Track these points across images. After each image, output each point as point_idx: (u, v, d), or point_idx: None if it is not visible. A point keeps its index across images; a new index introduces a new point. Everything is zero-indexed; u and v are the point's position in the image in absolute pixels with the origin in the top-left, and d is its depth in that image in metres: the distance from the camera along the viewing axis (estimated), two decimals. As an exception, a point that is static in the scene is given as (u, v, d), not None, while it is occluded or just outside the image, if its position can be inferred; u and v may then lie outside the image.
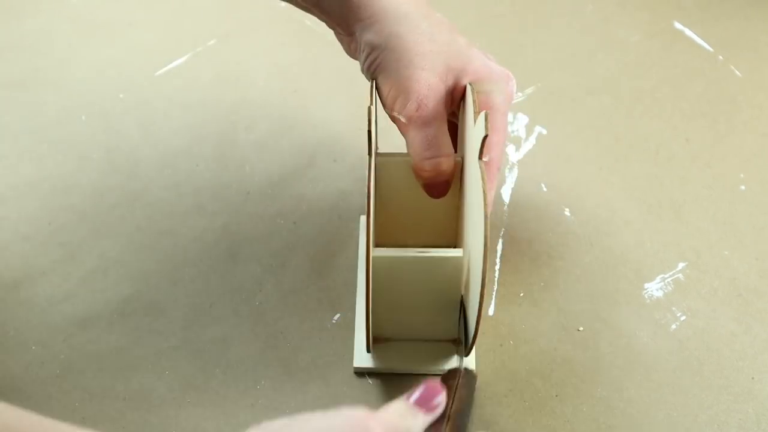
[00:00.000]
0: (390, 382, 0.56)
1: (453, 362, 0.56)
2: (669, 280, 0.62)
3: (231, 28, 0.81)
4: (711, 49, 0.79)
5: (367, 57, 0.56)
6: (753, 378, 0.56)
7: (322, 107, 0.74)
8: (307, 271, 0.62)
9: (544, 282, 0.61)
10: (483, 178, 0.49)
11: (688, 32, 0.81)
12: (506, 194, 0.68)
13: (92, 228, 0.65)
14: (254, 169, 0.70)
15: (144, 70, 0.79)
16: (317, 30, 0.81)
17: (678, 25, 0.82)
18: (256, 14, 0.82)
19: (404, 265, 0.52)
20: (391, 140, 0.59)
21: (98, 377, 0.56)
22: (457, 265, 0.53)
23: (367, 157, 0.52)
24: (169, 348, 0.58)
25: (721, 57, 0.79)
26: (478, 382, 0.54)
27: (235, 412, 0.54)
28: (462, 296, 0.55)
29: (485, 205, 0.49)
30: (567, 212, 0.66)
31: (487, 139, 0.50)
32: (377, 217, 0.57)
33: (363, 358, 0.57)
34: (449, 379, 0.52)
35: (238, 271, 0.62)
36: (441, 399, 0.46)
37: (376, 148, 0.54)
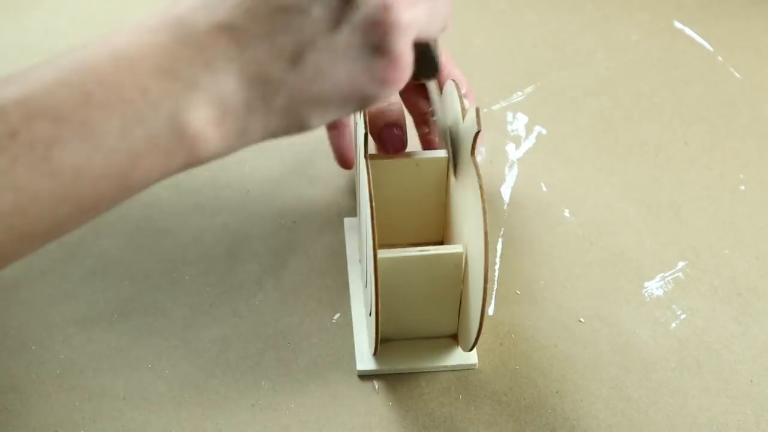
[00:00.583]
0: (391, 381, 0.56)
1: (455, 358, 0.56)
2: (669, 278, 0.62)
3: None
4: (711, 49, 0.79)
5: None
6: (752, 381, 0.56)
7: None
8: (307, 271, 0.62)
9: (543, 281, 0.62)
10: (478, 173, 0.50)
11: (688, 31, 0.81)
12: (506, 194, 0.68)
13: (92, 227, 0.65)
14: (254, 169, 0.70)
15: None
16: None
17: (678, 25, 0.82)
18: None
19: (406, 265, 0.52)
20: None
21: (98, 377, 0.56)
22: (457, 261, 0.53)
23: (364, 159, 0.52)
24: (168, 348, 0.58)
25: (720, 57, 0.79)
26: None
27: (235, 412, 0.54)
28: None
29: (482, 198, 0.49)
30: (567, 212, 0.66)
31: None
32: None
33: (366, 362, 0.56)
34: None
35: (237, 271, 0.62)
36: None
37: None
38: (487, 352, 0.57)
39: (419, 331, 0.57)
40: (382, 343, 0.56)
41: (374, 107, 0.55)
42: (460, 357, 0.57)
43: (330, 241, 0.64)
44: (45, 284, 0.62)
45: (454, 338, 0.58)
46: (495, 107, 0.75)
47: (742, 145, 0.71)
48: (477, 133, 0.50)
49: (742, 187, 0.68)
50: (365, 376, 0.56)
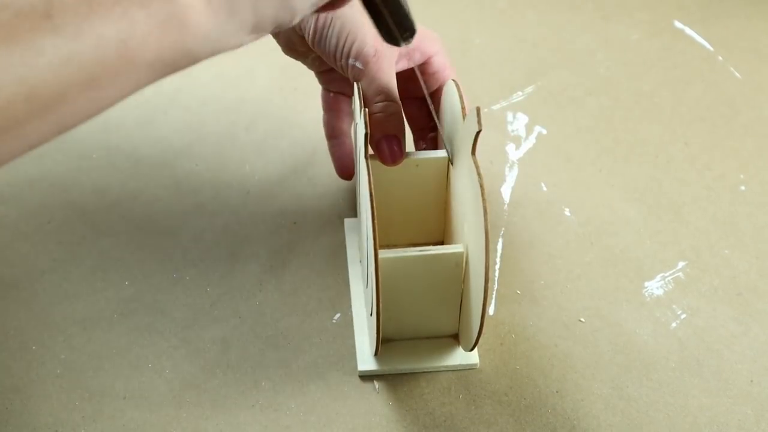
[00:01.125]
0: (391, 381, 0.56)
1: (457, 358, 0.56)
2: (669, 278, 0.62)
3: (231, 27, 0.81)
4: (711, 49, 0.79)
5: (317, 15, 0.56)
6: (752, 381, 0.56)
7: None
8: (308, 271, 0.62)
9: (544, 281, 0.62)
10: (478, 172, 0.50)
11: (688, 31, 0.81)
12: (506, 193, 0.68)
13: (92, 226, 0.65)
14: (254, 169, 0.70)
15: (144, 69, 0.79)
16: (317, 29, 0.81)
17: (678, 24, 0.82)
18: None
19: (407, 265, 0.52)
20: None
21: (98, 377, 0.56)
22: (458, 260, 0.53)
23: (364, 160, 0.52)
24: (169, 348, 0.58)
25: (720, 57, 0.79)
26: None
27: (236, 413, 0.54)
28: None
29: (483, 198, 0.49)
30: (567, 212, 0.66)
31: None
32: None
33: (367, 362, 0.56)
34: None
35: (238, 271, 0.62)
36: None
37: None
38: (487, 352, 0.57)
39: (420, 331, 0.57)
40: (383, 343, 0.56)
41: (374, 117, 0.55)
42: (461, 357, 0.57)
43: (330, 241, 0.64)
44: (45, 284, 0.62)
45: (454, 338, 0.58)
46: (495, 107, 0.75)
47: (743, 145, 0.71)
48: (478, 133, 0.50)
49: (743, 187, 0.68)
50: (365, 376, 0.56)
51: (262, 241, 0.64)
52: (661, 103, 0.75)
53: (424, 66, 0.60)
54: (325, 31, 0.57)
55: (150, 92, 0.77)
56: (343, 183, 0.68)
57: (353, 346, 0.58)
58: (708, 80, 0.77)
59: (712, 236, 0.64)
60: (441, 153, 0.57)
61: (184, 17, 0.39)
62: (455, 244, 0.55)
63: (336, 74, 0.60)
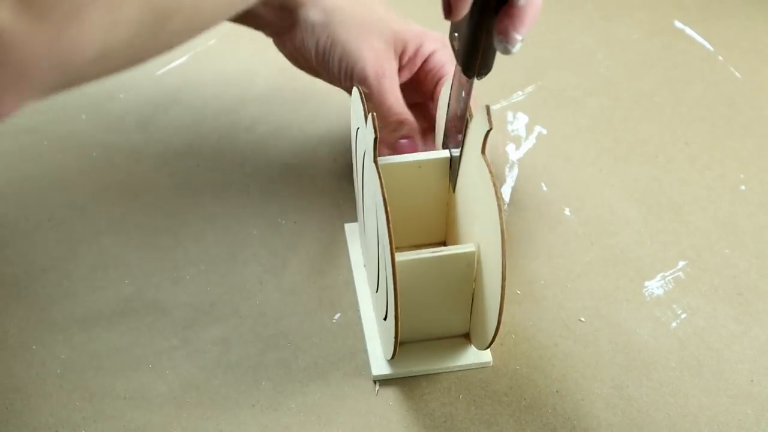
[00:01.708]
0: (392, 381, 0.56)
1: (469, 357, 0.56)
2: (669, 278, 0.62)
3: (231, 28, 0.81)
4: (711, 49, 0.79)
5: (317, 39, 0.59)
6: (752, 380, 0.56)
7: (322, 106, 0.74)
8: (308, 271, 0.62)
9: (544, 281, 0.62)
10: (490, 170, 0.49)
11: (688, 31, 0.81)
12: (506, 193, 0.68)
13: (92, 226, 0.65)
14: (254, 169, 0.70)
15: (144, 69, 0.79)
16: (317, 29, 0.80)
17: (678, 24, 0.82)
18: (256, 13, 0.82)
19: (421, 267, 0.52)
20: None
21: (99, 377, 0.56)
22: (470, 260, 0.52)
23: (373, 165, 0.51)
24: (169, 348, 0.58)
25: (721, 57, 0.79)
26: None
27: (236, 412, 0.54)
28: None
29: (497, 196, 0.48)
30: (567, 211, 0.66)
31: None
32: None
33: (380, 366, 0.56)
34: None
35: (238, 271, 0.62)
36: None
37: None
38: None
39: (431, 332, 0.57)
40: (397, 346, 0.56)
41: (385, 129, 0.59)
42: (474, 356, 0.56)
43: (330, 241, 0.64)
44: (46, 282, 0.62)
45: (465, 337, 0.57)
46: (495, 107, 0.75)
47: (743, 145, 0.71)
48: (488, 132, 0.50)
49: (743, 187, 0.68)
50: (361, 373, 0.56)
51: (263, 241, 0.64)
52: (661, 103, 0.75)
53: (423, 64, 0.61)
54: (327, 56, 0.59)
55: (150, 92, 0.77)
56: (343, 183, 0.68)
57: (353, 346, 0.58)
58: (708, 80, 0.77)
59: (713, 236, 0.64)
60: (443, 153, 0.57)
61: None
62: (462, 244, 0.55)
63: None
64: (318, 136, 0.73)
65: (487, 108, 0.49)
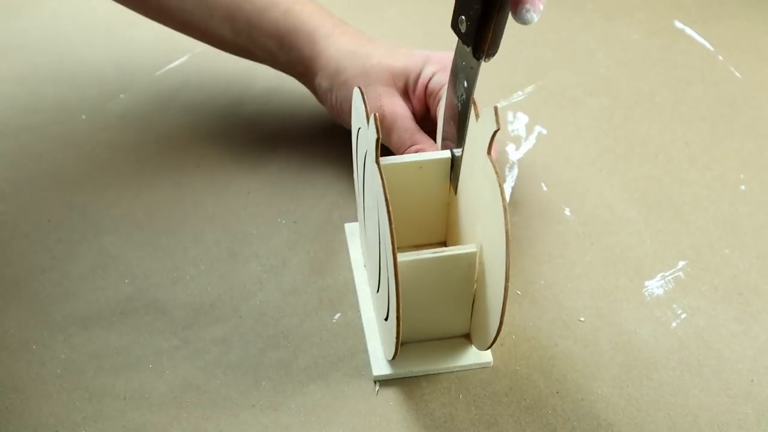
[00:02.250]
0: (392, 381, 0.56)
1: (470, 357, 0.56)
2: (669, 278, 0.62)
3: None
4: (711, 48, 0.79)
5: (331, 102, 0.66)
6: (752, 380, 0.56)
7: (322, 106, 0.74)
8: (308, 271, 0.62)
9: (544, 280, 0.62)
10: (496, 171, 0.49)
11: (688, 31, 0.81)
12: (506, 193, 0.68)
13: (92, 225, 0.65)
14: (254, 169, 0.70)
15: (144, 70, 0.80)
16: (317, 29, 0.80)
17: (678, 24, 0.82)
18: (256, 13, 0.82)
19: (423, 267, 0.52)
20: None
21: (99, 377, 0.56)
22: (471, 261, 0.52)
23: (375, 165, 0.51)
24: (169, 348, 0.58)
25: (721, 57, 0.79)
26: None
27: (236, 413, 0.54)
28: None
29: (502, 197, 0.48)
30: (567, 211, 0.66)
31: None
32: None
33: (381, 367, 0.56)
34: None
35: (238, 271, 0.62)
36: None
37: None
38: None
39: (432, 332, 0.57)
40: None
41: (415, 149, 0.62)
42: (474, 356, 0.56)
43: (330, 241, 0.64)
44: (46, 282, 0.62)
45: (465, 338, 0.57)
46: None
47: (743, 144, 0.71)
48: (495, 132, 0.49)
49: (743, 187, 0.68)
50: (361, 374, 0.56)
51: (263, 241, 0.64)
52: (661, 103, 0.75)
53: (426, 88, 0.64)
54: (343, 113, 0.65)
55: (150, 92, 0.77)
56: (343, 183, 0.68)
57: (354, 346, 0.58)
58: (708, 80, 0.77)
59: (713, 236, 0.64)
60: (444, 154, 0.57)
61: None
62: (463, 244, 0.55)
63: None
64: (318, 136, 0.73)
65: (495, 108, 0.49)
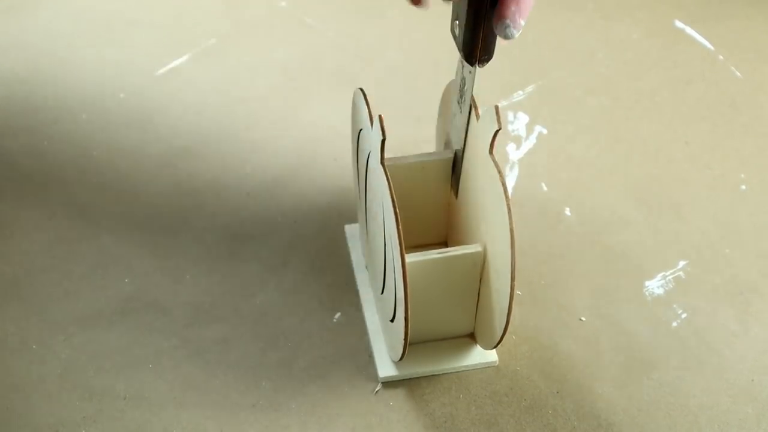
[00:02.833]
0: (392, 381, 0.56)
1: (476, 357, 0.56)
2: (670, 277, 0.62)
3: (231, 28, 0.81)
4: (712, 48, 0.79)
5: None
6: (753, 380, 0.56)
7: (323, 106, 0.74)
8: (308, 270, 0.62)
9: (544, 280, 0.62)
10: (499, 171, 0.49)
11: (688, 30, 0.81)
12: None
13: (92, 225, 0.65)
14: (254, 169, 0.70)
15: (144, 70, 0.80)
16: (317, 28, 0.81)
17: (678, 24, 0.82)
18: (256, 14, 0.82)
19: (430, 268, 0.52)
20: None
21: (99, 376, 0.56)
22: (476, 260, 0.52)
23: (380, 166, 0.51)
24: (170, 347, 0.58)
25: (721, 57, 0.79)
26: None
27: (236, 412, 0.54)
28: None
29: (506, 196, 0.48)
30: (567, 211, 0.66)
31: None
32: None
33: (387, 368, 0.56)
34: None
35: (238, 271, 0.62)
36: None
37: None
38: (488, 352, 0.57)
39: (437, 332, 0.57)
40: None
41: None
42: (480, 356, 0.56)
43: (330, 241, 0.64)
44: (46, 282, 0.62)
45: (470, 337, 0.57)
46: (495, 107, 0.75)
47: (743, 144, 0.71)
48: (496, 132, 0.49)
49: (743, 187, 0.68)
50: (362, 374, 0.56)
51: (262, 241, 0.64)
52: (661, 103, 0.75)
53: None
54: None
55: (150, 92, 0.77)
56: (343, 184, 0.68)
57: (354, 346, 0.58)
58: (708, 79, 0.77)
59: (713, 235, 0.64)
60: (446, 154, 0.57)
61: None
62: (466, 244, 0.55)
63: None
64: (318, 136, 0.73)
65: (496, 108, 0.49)
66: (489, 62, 0.51)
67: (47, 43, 0.81)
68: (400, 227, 0.49)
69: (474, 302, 0.55)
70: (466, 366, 0.56)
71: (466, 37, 0.49)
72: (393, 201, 0.49)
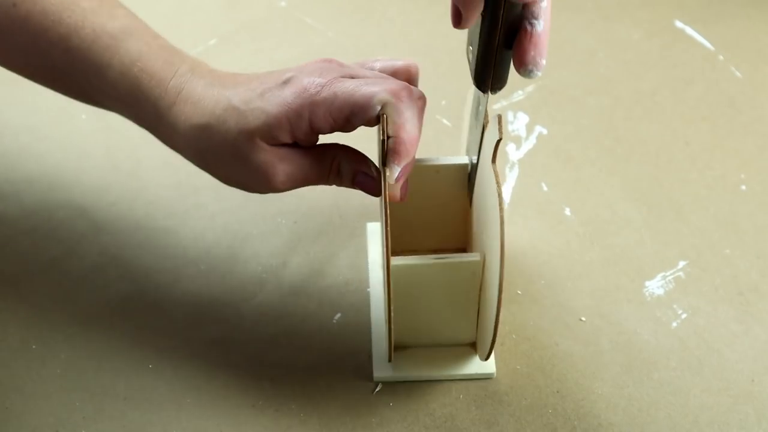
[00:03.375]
0: (392, 381, 0.56)
1: (473, 366, 0.56)
2: (670, 278, 0.62)
3: (231, 28, 0.81)
4: (712, 48, 0.79)
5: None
6: (753, 380, 0.56)
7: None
8: (308, 271, 0.62)
9: (544, 280, 0.62)
10: (497, 181, 0.49)
11: (688, 30, 0.81)
12: (507, 193, 0.68)
13: (92, 225, 0.65)
14: (254, 169, 0.70)
15: (144, 69, 0.79)
16: (317, 28, 0.81)
17: (679, 24, 0.82)
18: (256, 14, 0.82)
19: (423, 272, 0.52)
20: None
21: (99, 377, 0.56)
22: (474, 269, 0.52)
23: (381, 167, 0.51)
24: (170, 348, 0.58)
25: (721, 57, 0.79)
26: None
27: (236, 413, 0.54)
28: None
29: (500, 207, 0.48)
30: (567, 211, 0.66)
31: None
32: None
33: (383, 368, 0.56)
34: None
35: (238, 271, 0.62)
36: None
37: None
38: (488, 352, 0.57)
39: (437, 338, 0.57)
40: (402, 350, 0.56)
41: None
42: (477, 366, 0.56)
43: (331, 240, 0.64)
44: (45, 282, 0.62)
45: (472, 346, 0.57)
46: (495, 106, 0.75)
47: (743, 144, 0.71)
48: (498, 141, 0.49)
49: (743, 187, 0.68)
50: (362, 375, 0.56)
51: (263, 241, 0.64)
52: (661, 103, 0.75)
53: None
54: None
55: (150, 92, 0.77)
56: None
57: (354, 347, 0.58)
58: (709, 79, 0.77)
59: (713, 235, 0.64)
60: (462, 159, 0.56)
61: None
62: (475, 252, 0.55)
63: None
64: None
65: (499, 117, 0.49)
66: (500, 90, 0.51)
67: (47, 43, 0.81)
68: (389, 227, 0.49)
69: (475, 311, 0.55)
70: (462, 375, 0.56)
71: (478, 67, 0.49)
72: (385, 201, 0.49)
